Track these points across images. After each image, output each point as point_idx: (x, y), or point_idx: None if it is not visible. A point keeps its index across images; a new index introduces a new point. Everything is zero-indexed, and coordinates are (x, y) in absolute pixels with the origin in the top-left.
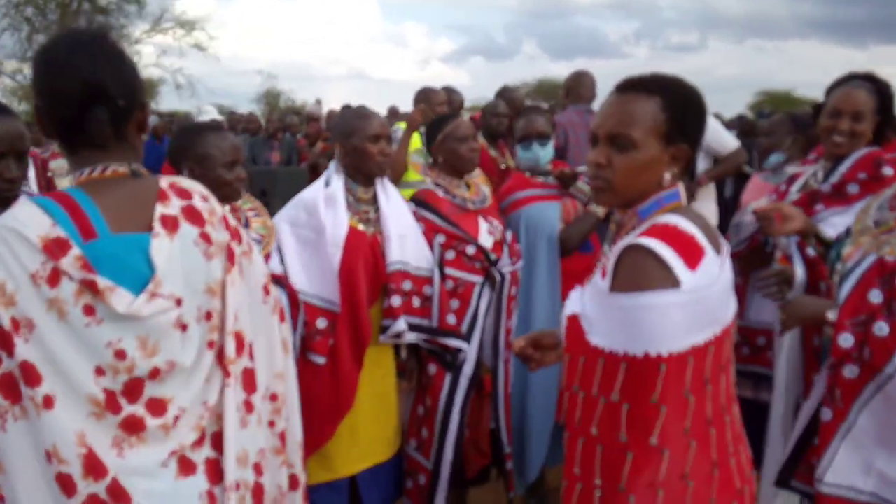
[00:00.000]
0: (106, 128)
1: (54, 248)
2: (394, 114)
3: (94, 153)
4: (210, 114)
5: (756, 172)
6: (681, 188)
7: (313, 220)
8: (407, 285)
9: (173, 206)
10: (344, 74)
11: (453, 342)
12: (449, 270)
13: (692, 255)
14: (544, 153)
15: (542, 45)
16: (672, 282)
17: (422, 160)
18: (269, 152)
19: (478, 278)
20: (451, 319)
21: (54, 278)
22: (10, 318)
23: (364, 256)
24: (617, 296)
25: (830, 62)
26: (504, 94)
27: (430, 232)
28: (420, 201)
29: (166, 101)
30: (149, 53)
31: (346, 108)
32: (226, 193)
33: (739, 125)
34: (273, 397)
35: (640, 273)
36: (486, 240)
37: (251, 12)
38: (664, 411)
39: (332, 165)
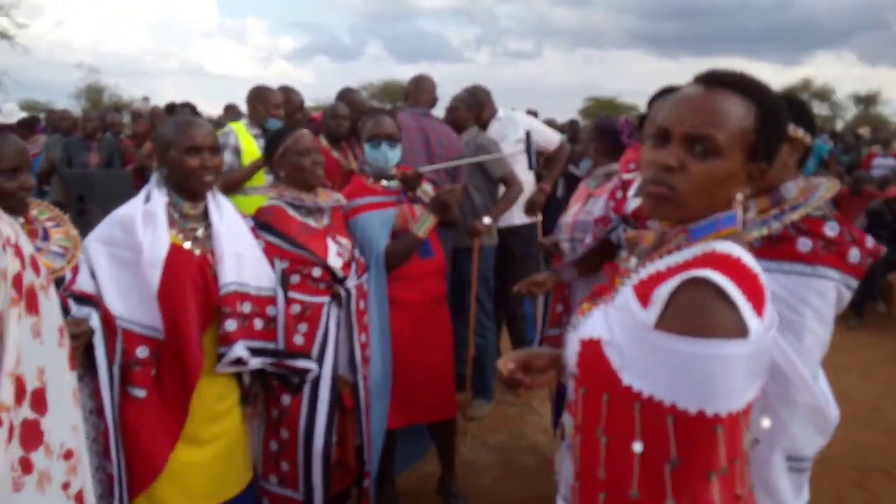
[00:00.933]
0: None
1: None
2: (231, 110)
3: None
4: (13, 113)
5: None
6: (739, 211)
7: (130, 238)
8: (246, 307)
9: None
10: (178, 69)
11: (301, 363)
12: (294, 294)
13: (758, 298)
14: (393, 155)
15: (388, 47)
16: (742, 330)
17: None
18: (87, 153)
19: (324, 299)
20: (299, 340)
21: None
22: None
23: (192, 278)
24: (671, 337)
25: (649, 71)
26: (345, 95)
27: (270, 253)
28: (263, 224)
29: None
30: None
31: (171, 108)
32: (9, 205)
33: (570, 129)
34: (68, 454)
35: (707, 315)
36: (335, 261)
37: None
38: (715, 479)
39: (154, 179)
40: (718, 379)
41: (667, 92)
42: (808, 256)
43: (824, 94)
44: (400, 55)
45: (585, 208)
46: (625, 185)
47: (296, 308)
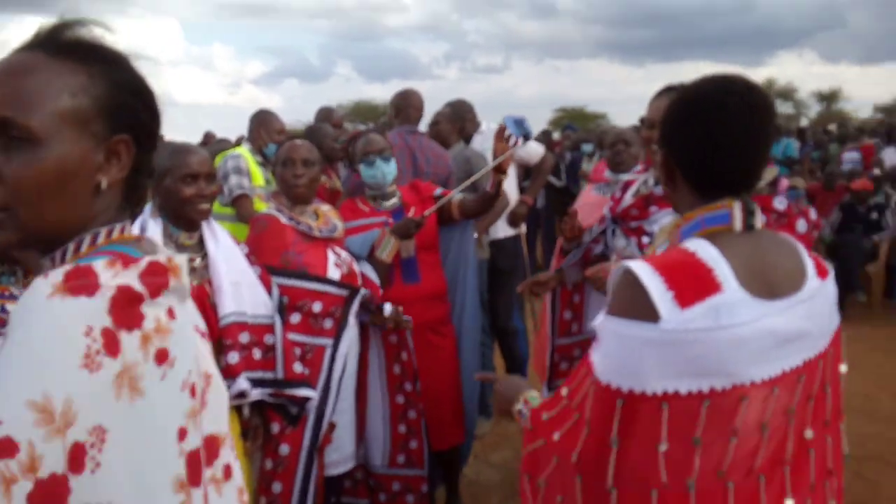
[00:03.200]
0: None
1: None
2: (210, 137)
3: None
4: None
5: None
6: (736, 210)
7: None
8: (245, 337)
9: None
10: None
11: (302, 392)
12: (294, 336)
13: (693, 291)
14: (389, 169)
15: (357, 66)
16: (649, 315)
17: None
18: None
19: (327, 341)
20: (298, 367)
21: None
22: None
23: None
24: (603, 315)
25: (617, 79)
26: (324, 115)
27: (267, 280)
28: (260, 231)
29: None
30: None
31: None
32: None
33: (544, 140)
34: None
35: (620, 298)
36: (333, 272)
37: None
38: (615, 448)
39: (147, 209)
40: (618, 356)
41: (663, 92)
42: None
43: (787, 93)
44: (369, 74)
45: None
46: (625, 186)
47: (296, 351)
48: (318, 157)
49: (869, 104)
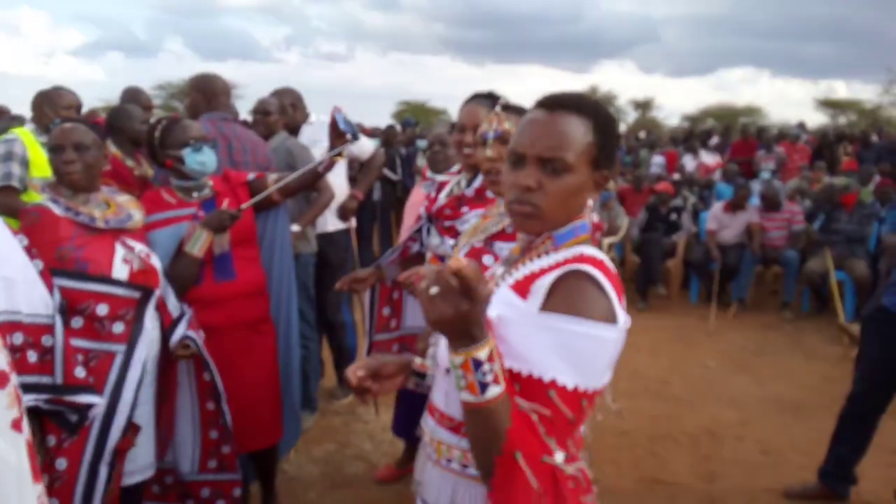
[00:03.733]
0: None
1: None
2: (2, 114)
3: None
4: None
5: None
6: (589, 218)
7: None
8: (18, 338)
9: None
10: None
11: (84, 398)
12: (77, 342)
13: (620, 294)
14: (214, 157)
15: (190, 44)
16: (613, 317)
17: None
18: None
19: (117, 347)
20: (80, 372)
21: None
22: None
23: None
24: (551, 315)
25: (457, 77)
26: (133, 96)
27: (49, 278)
28: (30, 225)
29: None
30: None
31: None
32: None
33: (386, 134)
34: None
35: (586, 300)
36: (120, 269)
37: None
38: (571, 443)
39: None
40: (589, 357)
41: (472, 98)
42: None
43: (609, 100)
44: (205, 53)
45: None
46: (440, 187)
47: (78, 357)
48: (94, 140)
49: (678, 114)
